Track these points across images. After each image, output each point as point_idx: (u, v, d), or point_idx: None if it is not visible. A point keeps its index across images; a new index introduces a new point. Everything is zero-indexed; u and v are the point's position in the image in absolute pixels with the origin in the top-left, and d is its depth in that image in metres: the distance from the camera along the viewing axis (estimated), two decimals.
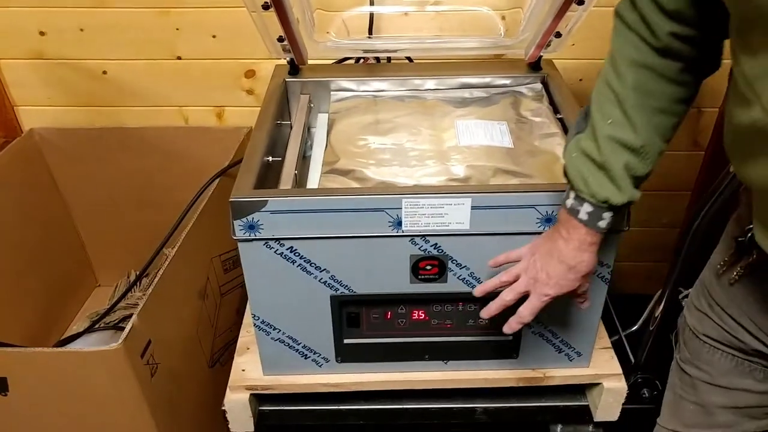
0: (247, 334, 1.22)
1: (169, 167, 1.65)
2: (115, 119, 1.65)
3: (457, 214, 0.97)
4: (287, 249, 1.00)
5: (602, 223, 0.84)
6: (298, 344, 1.11)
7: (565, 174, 0.86)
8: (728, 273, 0.90)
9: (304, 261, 1.01)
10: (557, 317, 1.09)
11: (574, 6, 1.14)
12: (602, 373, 1.16)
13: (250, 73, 1.57)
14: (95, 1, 1.47)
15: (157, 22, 1.50)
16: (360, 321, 1.10)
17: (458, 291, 1.05)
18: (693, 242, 1.26)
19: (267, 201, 0.95)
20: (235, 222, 0.96)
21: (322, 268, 1.02)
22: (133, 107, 1.64)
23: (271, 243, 0.99)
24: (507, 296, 0.94)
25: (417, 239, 0.99)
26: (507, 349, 1.12)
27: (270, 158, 1.11)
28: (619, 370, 1.16)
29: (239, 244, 0.99)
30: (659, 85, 0.79)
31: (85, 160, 1.66)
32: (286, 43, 1.18)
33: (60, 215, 1.73)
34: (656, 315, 1.34)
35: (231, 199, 0.95)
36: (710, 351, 0.96)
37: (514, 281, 0.94)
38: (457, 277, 1.04)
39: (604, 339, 1.21)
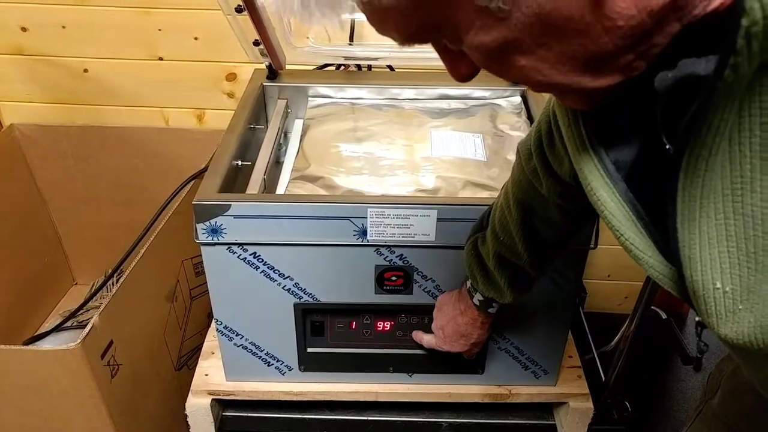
0: (213, 338, 1.21)
1: (148, 167, 1.64)
2: (96, 118, 1.64)
3: (422, 226, 0.96)
4: (250, 254, 0.98)
5: (492, 310, 0.92)
6: (262, 351, 1.10)
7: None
8: None
9: (268, 267, 1.00)
10: (524, 334, 1.08)
11: None
12: (569, 392, 1.14)
13: (231, 77, 1.56)
14: None
15: (140, 22, 1.49)
16: (324, 330, 1.09)
17: (423, 303, 1.04)
18: None
19: (230, 205, 0.94)
20: (198, 225, 0.95)
21: (285, 275, 1.01)
22: (113, 106, 1.63)
23: (234, 248, 0.98)
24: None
25: (382, 249, 0.98)
26: (472, 365, 1.11)
27: (240, 162, 1.10)
28: (587, 390, 1.15)
29: (202, 248, 0.98)
30: (545, 226, 0.79)
31: (64, 157, 1.65)
32: (262, 47, 1.17)
33: (38, 212, 1.72)
34: (627, 335, 1.32)
35: (194, 202, 0.94)
36: None
37: None
38: (423, 289, 1.03)
39: (573, 358, 1.20)
